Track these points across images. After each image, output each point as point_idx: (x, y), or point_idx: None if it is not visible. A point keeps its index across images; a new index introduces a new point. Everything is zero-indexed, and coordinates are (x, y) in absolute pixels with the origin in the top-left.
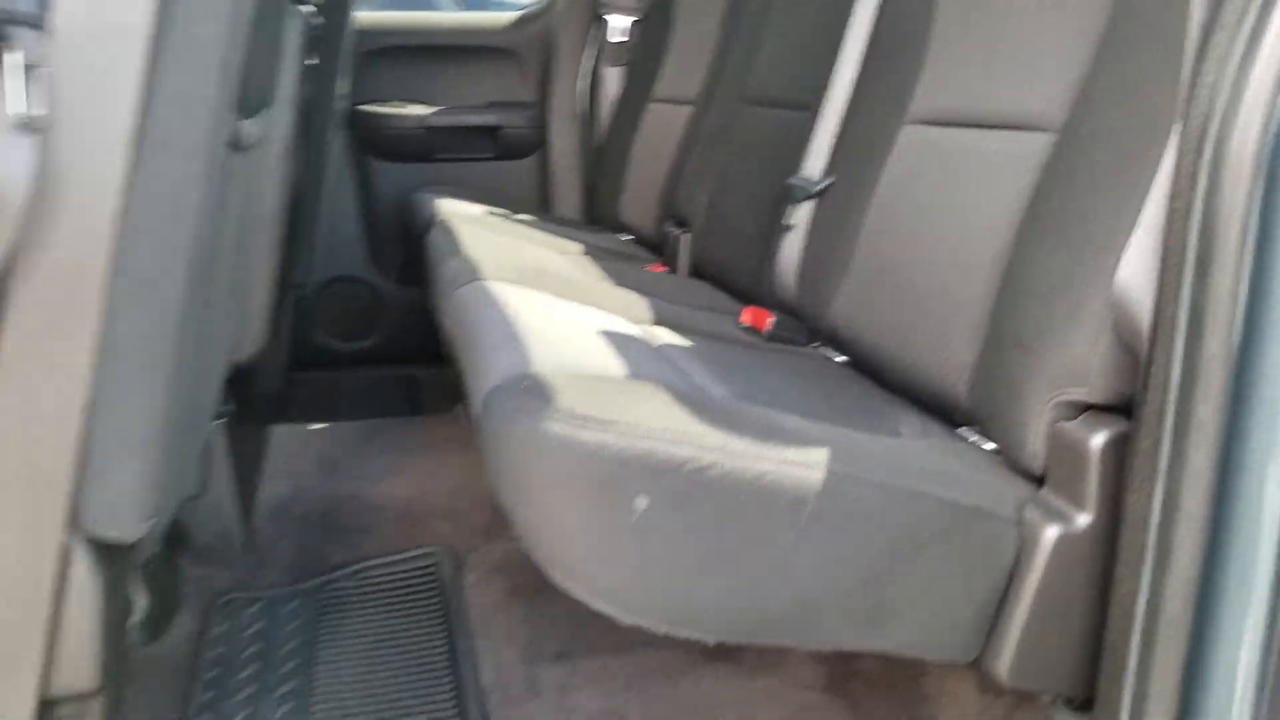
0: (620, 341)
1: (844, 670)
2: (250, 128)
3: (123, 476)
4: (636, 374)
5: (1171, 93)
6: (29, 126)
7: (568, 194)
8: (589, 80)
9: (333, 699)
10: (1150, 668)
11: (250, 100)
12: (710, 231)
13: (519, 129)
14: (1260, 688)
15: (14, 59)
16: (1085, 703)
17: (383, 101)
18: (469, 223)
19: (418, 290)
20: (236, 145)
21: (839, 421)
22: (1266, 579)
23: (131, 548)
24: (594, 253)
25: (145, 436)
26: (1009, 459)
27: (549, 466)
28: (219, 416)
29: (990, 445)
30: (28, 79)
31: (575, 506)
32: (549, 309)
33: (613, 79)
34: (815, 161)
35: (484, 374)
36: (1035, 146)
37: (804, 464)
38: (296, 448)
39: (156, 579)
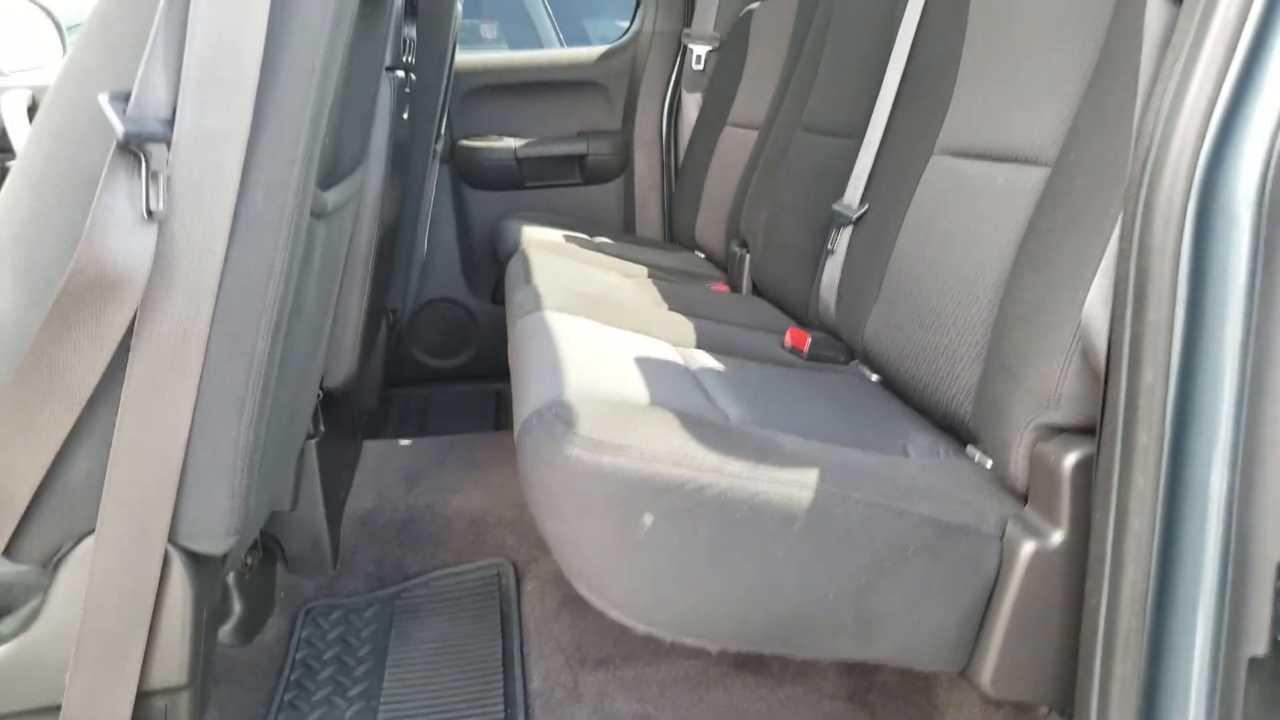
0: (654, 367)
1: (864, 682)
2: (334, 196)
3: (213, 498)
4: (659, 399)
5: None
6: (153, 220)
7: (650, 215)
8: (670, 107)
9: (397, 702)
10: (1111, 679)
11: (339, 168)
12: (768, 252)
13: (604, 155)
14: (1211, 697)
15: (145, 168)
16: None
17: (480, 135)
18: (546, 250)
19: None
20: (320, 215)
21: (847, 441)
22: (1212, 592)
23: (221, 559)
24: (659, 274)
25: (232, 465)
26: (999, 477)
27: (570, 486)
28: (311, 436)
29: (991, 463)
30: (154, 182)
31: (592, 522)
32: (596, 337)
33: (692, 105)
34: (856, 188)
35: (524, 400)
36: (1034, 179)
37: (795, 483)
38: (383, 461)
39: (251, 588)
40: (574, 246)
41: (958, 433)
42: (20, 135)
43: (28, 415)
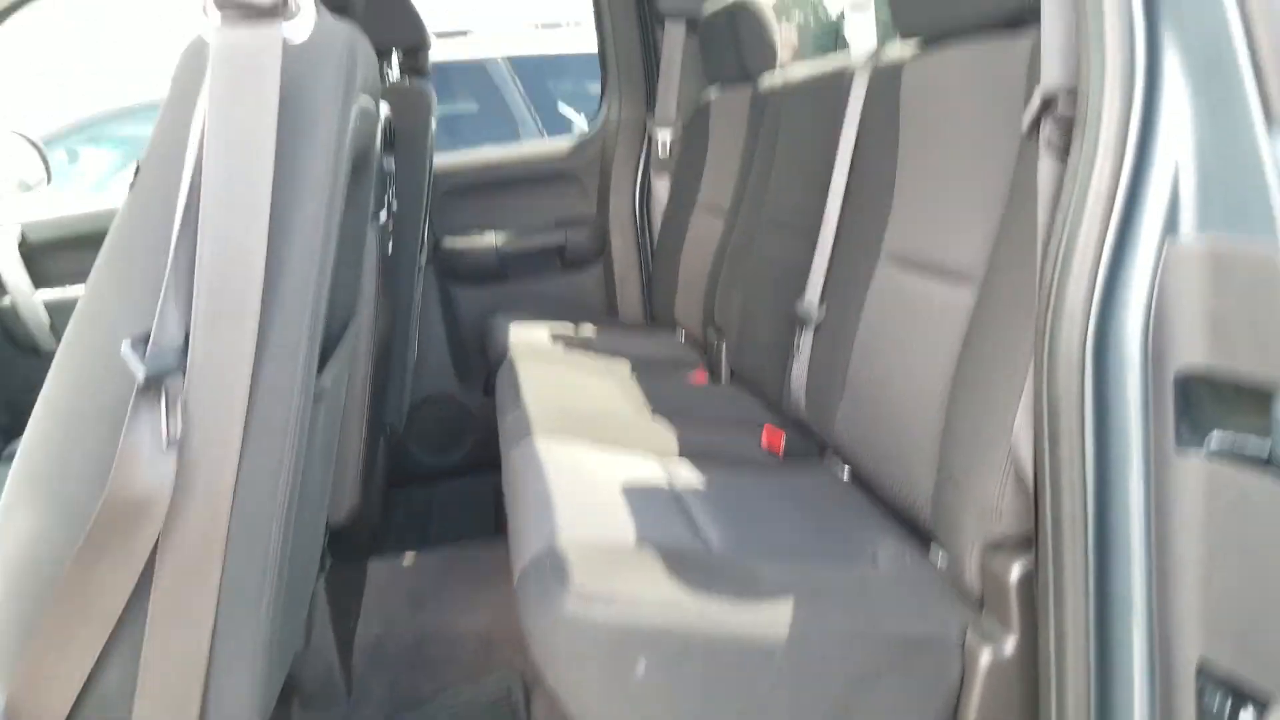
0: (639, 497)
1: None
2: (330, 372)
3: (238, 687)
4: (645, 535)
5: None
6: (173, 444)
7: (630, 295)
8: (641, 191)
9: None
10: None
11: (330, 340)
12: (742, 343)
13: (582, 242)
14: None
15: (165, 400)
16: None
17: (461, 232)
18: (532, 358)
19: None
20: (318, 399)
21: (819, 558)
22: (1145, 698)
23: None
24: (642, 368)
25: (253, 652)
26: (956, 581)
27: (567, 639)
28: (320, 570)
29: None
30: (172, 411)
31: (589, 671)
32: (585, 467)
33: (662, 189)
34: (815, 285)
35: (521, 543)
36: (965, 299)
37: (773, 621)
38: (388, 583)
39: None
40: (559, 349)
41: (920, 531)
42: (10, 272)
43: (65, 636)
